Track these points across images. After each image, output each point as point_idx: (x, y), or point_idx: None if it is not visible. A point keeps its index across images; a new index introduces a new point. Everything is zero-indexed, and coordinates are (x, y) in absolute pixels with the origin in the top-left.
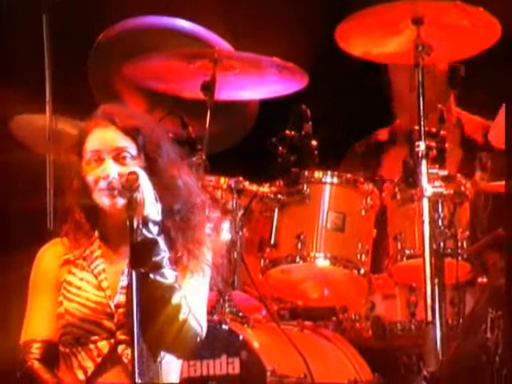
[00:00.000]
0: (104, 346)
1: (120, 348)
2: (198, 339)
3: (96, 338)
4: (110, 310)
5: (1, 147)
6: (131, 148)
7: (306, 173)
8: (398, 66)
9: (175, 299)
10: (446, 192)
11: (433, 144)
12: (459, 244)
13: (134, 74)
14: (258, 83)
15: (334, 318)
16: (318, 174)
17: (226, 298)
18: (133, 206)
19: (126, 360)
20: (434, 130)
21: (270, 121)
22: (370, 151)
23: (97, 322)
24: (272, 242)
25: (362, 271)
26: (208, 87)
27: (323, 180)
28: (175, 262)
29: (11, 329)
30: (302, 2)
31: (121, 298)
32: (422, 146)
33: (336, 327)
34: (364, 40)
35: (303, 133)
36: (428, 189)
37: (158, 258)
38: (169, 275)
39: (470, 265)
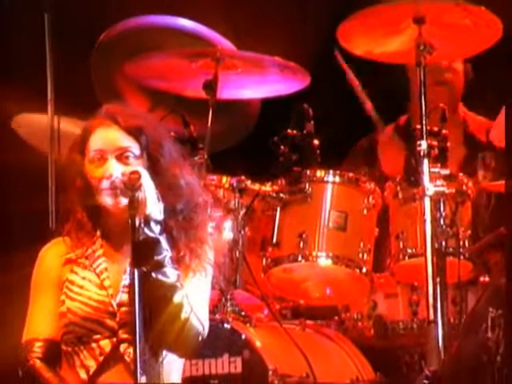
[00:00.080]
0: (106, 344)
1: (122, 347)
2: (200, 338)
3: (98, 336)
4: (113, 309)
5: (2, 146)
6: (134, 147)
7: (308, 172)
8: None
9: (177, 298)
10: (448, 191)
11: (435, 143)
12: (461, 243)
13: (136, 72)
14: (260, 82)
15: (336, 317)
16: (319, 173)
17: (228, 297)
18: (135, 205)
19: (128, 359)
20: (435, 128)
21: (271, 120)
22: (374, 147)
23: (99, 320)
24: (274, 241)
25: (364, 270)
26: (210, 86)
27: (325, 179)
28: (177, 261)
29: (13, 328)
30: (304, 1)
31: (123, 296)
32: (423, 145)
33: (338, 326)
34: (366, 39)
35: (305, 132)
36: (430, 188)
37: (160, 257)
38: (171, 274)
39: (472, 264)
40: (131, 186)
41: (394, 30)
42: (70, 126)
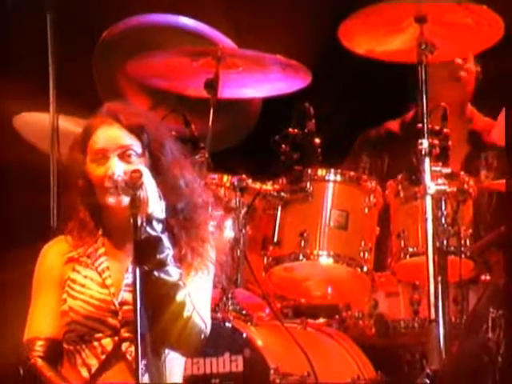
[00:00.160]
0: (108, 343)
1: (124, 345)
2: (203, 336)
3: (100, 335)
4: (114, 308)
5: (4, 145)
6: (136, 146)
7: (309, 171)
8: (433, 63)
9: (179, 297)
10: (450, 190)
11: (436, 142)
12: (462, 242)
13: (138, 71)
14: (262, 81)
15: (337, 316)
16: (321, 172)
17: (229, 295)
18: (136, 203)
19: (129, 357)
20: (437, 127)
21: (273, 119)
22: (381, 141)
23: (101, 319)
24: (275, 239)
25: (365, 269)
26: (211, 85)
27: (326, 178)
28: (179, 260)
29: (15, 326)
30: None
31: (125, 295)
32: (425, 143)
33: (339, 325)
34: (367, 38)
35: (306, 131)
36: (431, 186)
37: (162, 256)
38: (173, 273)
39: (473, 263)
40: (133, 184)
41: (395, 28)
42: (70, 125)
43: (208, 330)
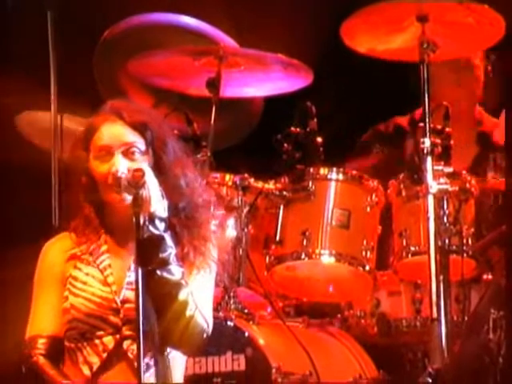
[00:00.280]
0: (109, 341)
1: (125, 343)
2: (205, 335)
3: (101, 333)
4: (116, 306)
5: (6, 144)
6: (140, 143)
7: (311, 169)
8: (438, 64)
9: (182, 296)
10: (451, 189)
11: (438, 141)
12: (464, 241)
13: (139, 70)
14: (263, 80)
15: (339, 315)
16: (323, 171)
17: (231, 294)
18: (139, 202)
19: (131, 355)
20: (439, 126)
21: (275, 117)
22: (390, 135)
23: (102, 317)
24: (277, 238)
25: (367, 268)
26: (213, 84)
27: (328, 177)
28: (181, 259)
29: (16, 324)
30: None
31: (127, 293)
32: (427, 142)
33: (341, 324)
34: (369, 37)
35: (308, 129)
36: (433, 185)
37: (164, 255)
38: (175, 272)
39: (475, 262)
40: (135, 183)
41: (397, 27)
42: (72, 124)
43: (210, 329)
